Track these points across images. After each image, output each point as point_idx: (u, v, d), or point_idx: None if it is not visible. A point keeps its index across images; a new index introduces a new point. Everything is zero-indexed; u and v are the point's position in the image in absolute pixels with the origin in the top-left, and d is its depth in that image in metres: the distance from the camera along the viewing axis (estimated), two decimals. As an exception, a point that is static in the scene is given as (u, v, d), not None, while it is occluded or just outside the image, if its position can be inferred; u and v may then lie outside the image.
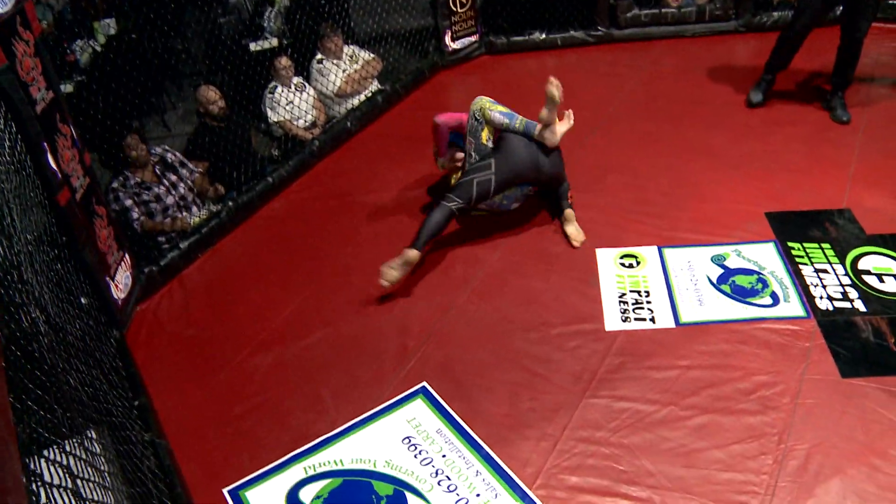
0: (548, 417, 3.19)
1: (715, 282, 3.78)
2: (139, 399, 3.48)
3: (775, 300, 3.63)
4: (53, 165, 3.39)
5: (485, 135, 4.22)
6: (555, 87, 4.01)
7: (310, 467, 3.11)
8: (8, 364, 1.66)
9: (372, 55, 6.26)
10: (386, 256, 4.22)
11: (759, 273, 3.80)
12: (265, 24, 6.91)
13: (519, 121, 4.14)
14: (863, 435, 2.95)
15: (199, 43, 6.92)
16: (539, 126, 4.11)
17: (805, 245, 3.95)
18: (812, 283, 3.70)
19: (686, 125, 5.21)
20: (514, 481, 2.95)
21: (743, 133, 5.03)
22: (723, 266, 3.88)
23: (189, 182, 4.92)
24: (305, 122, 5.79)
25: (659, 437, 3.05)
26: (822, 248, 3.91)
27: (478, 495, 2.92)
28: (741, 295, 3.69)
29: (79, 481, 2.07)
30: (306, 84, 5.89)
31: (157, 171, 4.79)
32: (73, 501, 1.89)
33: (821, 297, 3.61)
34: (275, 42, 6.58)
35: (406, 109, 6.10)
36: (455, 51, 6.69)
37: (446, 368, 3.51)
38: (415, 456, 3.09)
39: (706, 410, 3.13)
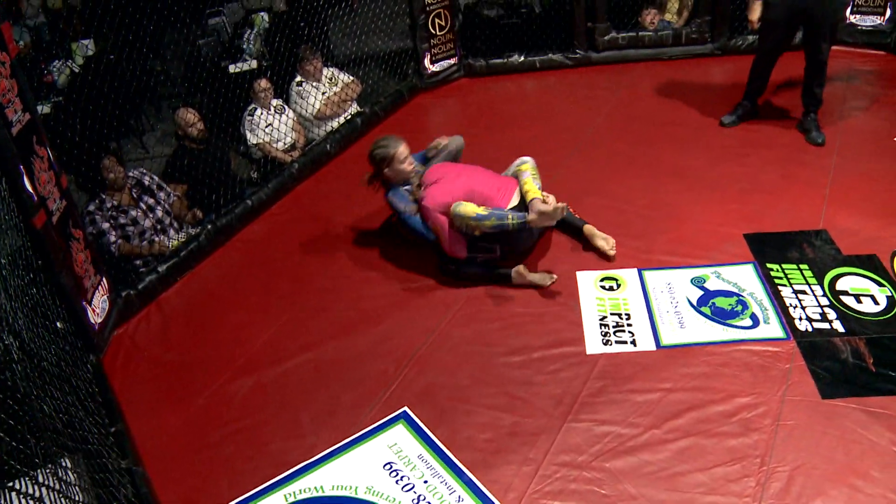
0: (529, 442, 3.17)
1: (695, 304, 3.78)
2: (116, 425, 3.42)
3: (755, 322, 3.63)
4: (30, 188, 3.34)
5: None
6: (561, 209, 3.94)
7: (290, 494, 3.06)
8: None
9: (351, 78, 6.26)
10: (366, 279, 4.23)
11: (738, 295, 3.80)
12: (244, 46, 6.91)
13: (511, 221, 3.94)
14: (843, 456, 2.95)
15: (177, 65, 6.90)
16: (532, 217, 3.96)
17: (783, 266, 3.96)
18: (791, 305, 3.70)
19: (663, 147, 5.23)
20: (497, 507, 2.91)
21: (720, 155, 5.05)
22: (703, 288, 3.88)
23: (166, 205, 4.87)
24: (285, 144, 5.77)
25: (641, 461, 3.02)
26: (800, 269, 3.92)
27: (460, 521, 2.88)
28: (721, 317, 3.68)
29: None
30: (285, 106, 5.87)
31: (134, 194, 4.74)
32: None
33: (800, 319, 3.62)
34: (254, 64, 6.58)
35: (385, 131, 5.95)
36: (434, 73, 6.70)
37: (428, 393, 3.48)
38: (396, 482, 3.05)
39: (688, 433, 3.11)
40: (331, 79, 6.12)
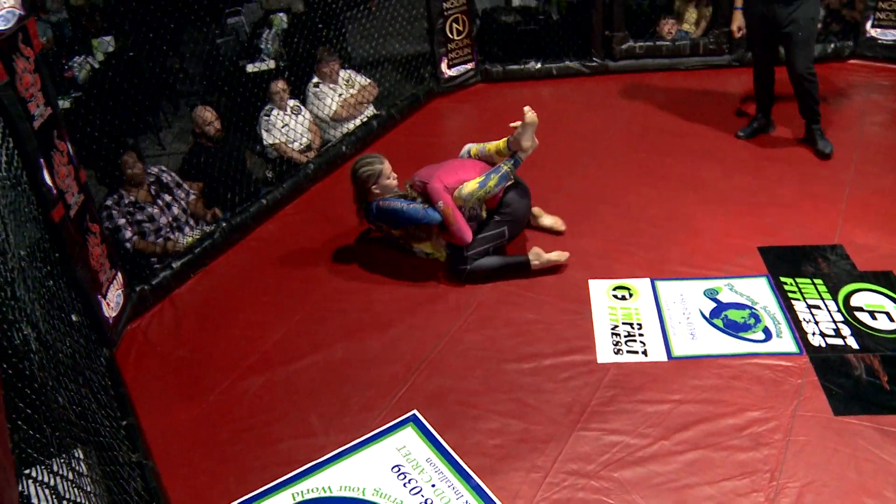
0: (538, 449, 3.17)
1: (707, 316, 3.78)
2: (127, 419, 3.44)
3: (768, 335, 3.62)
4: (49, 181, 3.38)
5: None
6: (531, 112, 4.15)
7: (297, 493, 3.07)
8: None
9: (368, 80, 6.27)
10: (378, 282, 4.24)
11: (751, 308, 3.80)
12: (262, 46, 6.93)
13: (505, 167, 4.15)
14: (855, 474, 2.93)
15: (196, 63, 6.92)
16: (514, 140, 4.21)
17: (797, 280, 3.95)
18: (804, 319, 3.70)
19: (679, 158, 5.23)
20: (505, 513, 2.92)
21: (735, 167, 5.04)
22: (715, 300, 3.87)
23: (183, 203, 4.89)
24: (300, 144, 5.78)
25: (650, 472, 3.02)
26: (814, 284, 3.91)
27: (467, 526, 2.89)
28: (734, 329, 3.68)
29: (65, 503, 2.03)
30: (302, 107, 5.89)
31: (153, 190, 4.76)
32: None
33: (813, 334, 3.61)
34: (272, 64, 6.60)
35: (401, 134, 6.11)
36: (451, 78, 6.72)
37: (437, 397, 3.48)
38: (404, 485, 3.06)
39: (698, 446, 3.10)
40: (348, 81, 6.13)
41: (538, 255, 4.14)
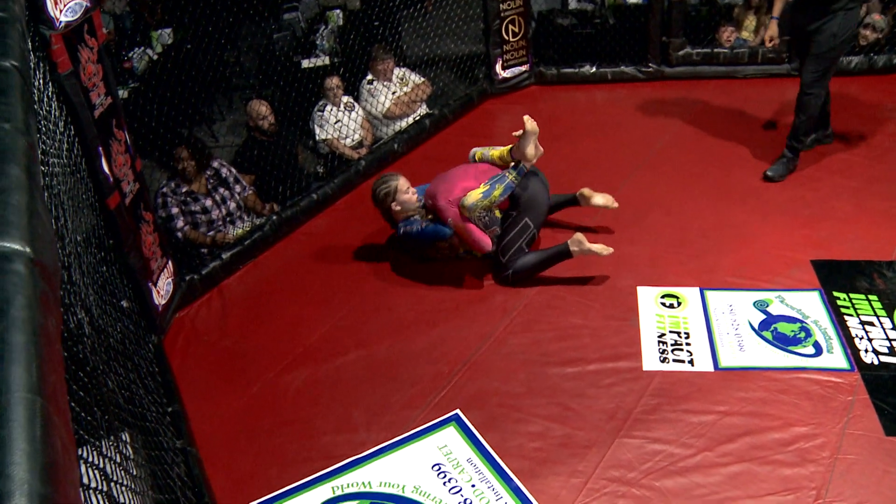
0: (580, 454, 3.16)
1: (757, 328, 3.73)
2: (173, 406, 3.50)
3: (818, 350, 3.57)
4: (106, 169, 3.44)
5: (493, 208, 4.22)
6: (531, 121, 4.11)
7: (337, 487, 3.10)
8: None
9: (422, 79, 6.30)
10: (425, 280, 4.25)
11: (802, 321, 3.75)
12: (318, 42, 7.00)
13: (510, 177, 4.09)
14: (904, 497, 2.88)
15: (252, 57, 7.01)
16: (517, 149, 4.16)
17: (851, 296, 3.88)
18: (857, 336, 3.63)
19: (733, 167, 5.17)
20: (543, 517, 2.91)
21: (791, 178, 4.96)
22: (765, 312, 3.83)
23: (239, 199, 4.96)
24: (352, 141, 5.83)
25: (692, 483, 2.99)
26: (868, 300, 3.84)
27: (505, 528, 2.89)
28: (783, 343, 3.63)
29: (112, 485, 2.07)
30: (355, 104, 5.93)
31: (210, 184, 4.84)
32: (105, 504, 1.89)
33: (866, 351, 3.54)
34: (326, 60, 6.66)
35: (453, 134, 6.13)
36: (505, 79, 6.72)
37: (480, 398, 3.49)
38: (444, 483, 3.07)
39: (742, 458, 3.07)
40: (401, 79, 6.16)
41: (580, 242, 4.09)
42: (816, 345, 3.60)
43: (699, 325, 3.79)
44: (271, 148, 5.29)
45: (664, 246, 4.40)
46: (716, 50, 6.58)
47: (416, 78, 6.26)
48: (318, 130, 5.75)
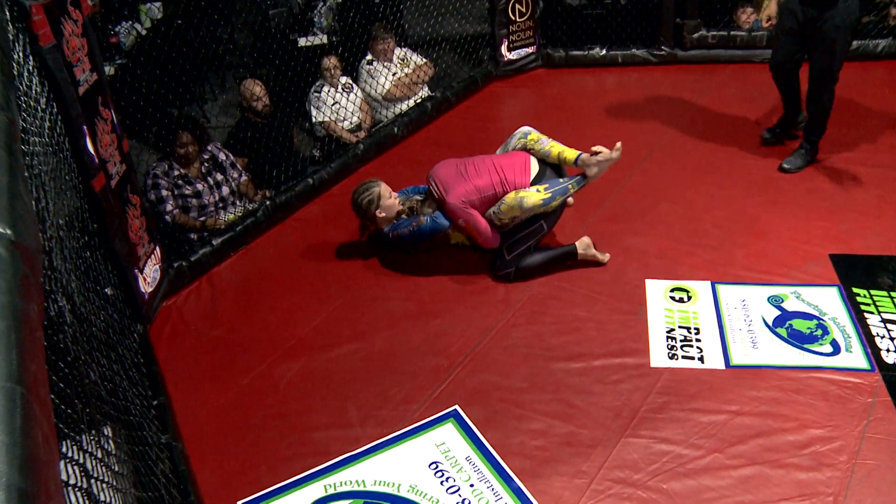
0: (584, 454, 3.14)
1: (771, 324, 3.71)
2: (158, 398, 3.48)
3: (836, 349, 3.54)
4: (91, 150, 3.41)
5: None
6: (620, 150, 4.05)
7: (330, 486, 3.09)
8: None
9: (424, 60, 6.27)
10: (425, 270, 4.25)
11: (819, 318, 3.72)
12: (315, 20, 6.95)
13: (573, 189, 4.06)
14: (927, 504, 2.85)
15: (246, 34, 6.96)
16: (593, 173, 4.08)
17: (872, 292, 3.85)
18: (878, 334, 3.59)
19: (748, 156, 5.13)
20: (545, 519, 2.90)
21: (810, 169, 4.93)
22: (780, 308, 3.80)
23: (234, 184, 4.94)
24: (350, 123, 5.81)
25: (701, 486, 2.97)
26: (891, 297, 3.80)
27: (505, 531, 2.87)
28: (799, 340, 3.60)
29: (93, 482, 2.05)
30: (354, 85, 5.91)
31: (204, 168, 4.82)
32: (84, 502, 1.87)
33: (888, 350, 3.50)
34: (324, 39, 6.62)
35: (456, 118, 6.09)
36: (511, 61, 6.68)
37: (481, 393, 3.47)
38: (441, 483, 3.05)
39: (754, 461, 3.04)
40: (402, 59, 6.13)
41: (587, 245, 4.14)
42: (834, 343, 3.57)
43: (710, 321, 3.77)
44: (265, 130, 5.26)
45: (674, 237, 4.37)
46: (733, 32, 6.51)
47: (417, 59, 6.23)
48: (314, 112, 5.72)
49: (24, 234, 1.33)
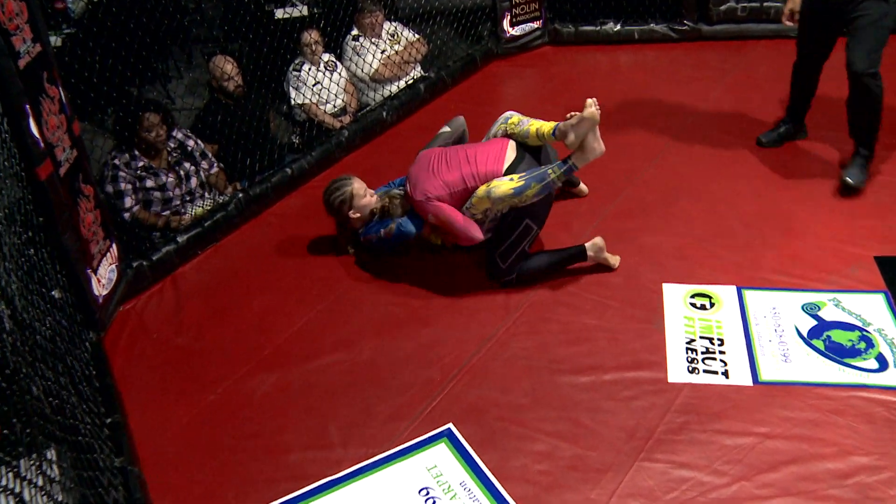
0: (593, 479, 3.12)
1: (805, 335, 3.68)
2: (112, 416, 3.45)
3: (882, 364, 3.50)
4: (36, 133, 3.37)
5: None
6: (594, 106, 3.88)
7: (307, 515, 3.07)
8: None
9: (416, 36, 6.27)
10: (417, 272, 4.24)
11: (862, 329, 3.69)
12: (295, -12, 6.91)
13: (553, 175, 3.89)
14: None
15: (215, 3, 6.93)
16: (579, 161, 3.94)
17: (923, 299, 3.84)
18: (931, 348, 3.59)
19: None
20: (549, 555, 2.89)
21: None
22: (816, 317, 3.78)
23: (203, 175, 4.92)
24: (334, 107, 5.80)
25: (726, 518, 2.95)
26: (945, 306, 3.81)
27: (504, 568, 2.86)
28: (838, 354, 3.57)
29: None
30: (338, 63, 5.89)
31: (172, 157, 4.79)
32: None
33: (943, 367, 3.49)
34: (305, 11, 6.60)
35: (452, 101, 6.08)
36: (513, 37, 6.66)
37: (477, 410, 3.46)
38: (432, 512, 3.05)
39: (787, 492, 3.00)
40: (392, 35, 6.12)
41: (599, 248, 4.07)
42: (881, 358, 3.54)
43: (736, 331, 3.75)
44: (238, 113, 5.24)
45: (695, 237, 4.35)
46: (766, 4, 6.47)
47: (409, 34, 6.23)
48: (293, 93, 5.71)
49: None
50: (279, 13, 6.52)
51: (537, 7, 6.68)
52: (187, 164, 4.83)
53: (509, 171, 3.98)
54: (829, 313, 3.78)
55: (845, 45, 4.55)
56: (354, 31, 6.01)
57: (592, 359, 3.67)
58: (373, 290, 4.22)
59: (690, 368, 3.57)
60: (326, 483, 3.17)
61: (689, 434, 3.26)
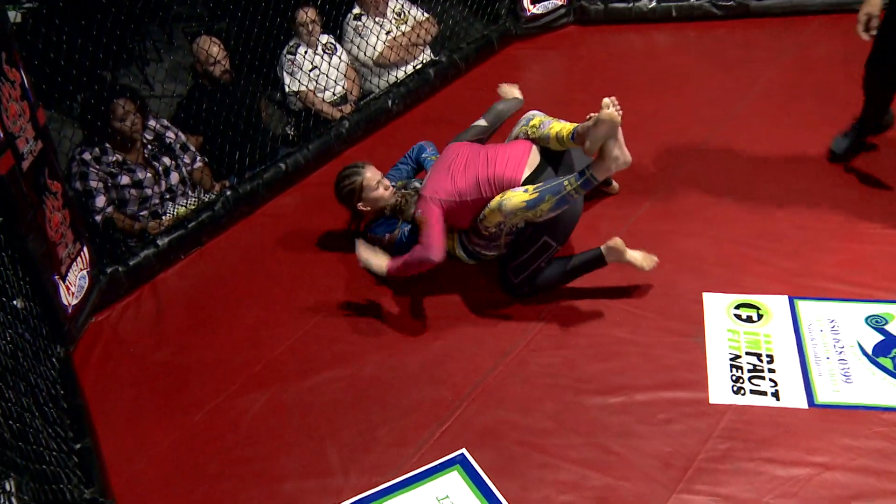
0: (625, 514, 3.13)
1: (870, 352, 3.65)
2: (82, 441, 3.45)
3: (964, 387, 3.50)
4: (-6, 121, 3.39)
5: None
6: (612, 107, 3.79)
7: (301, 551, 3.11)
8: None
9: (426, 15, 6.26)
10: (426, 279, 4.22)
11: (937, 346, 3.69)
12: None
13: (569, 187, 3.80)
14: None
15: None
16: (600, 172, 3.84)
17: None
18: None
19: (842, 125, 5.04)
20: None
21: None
22: (883, 331, 3.75)
23: (185, 171, 4.94)
24: (333, 94, 5.81)
25: (778, 560, 2.95)
26: None
27: None
28: (911, 375, 3.58)
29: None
30: (337, 46, 5.90)
31: (148, 150, 4.79)
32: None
33: None
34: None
35: (465, 89, 6.09)
36: (535, 16, 6.65)
37: (494, 434, 3.46)
38: (443, 549, 3.08)
39: (850, 532, 3.00)
40: (399, 14, 6.12)
41: (618, 251, 3.98)
42: (961, 379, 3.54)
43: (788, 346, 3.73)
44: (225, 101, 5.24)
45: (741, 240, 4.33)
46: (822, -26, 6.43)
47: (417, 13, 6.22)
48: (287, 79, 5.72)
49: None
50: (272, -12, 6.54)
51: (562, -18, 6.68)
52: (166, 159, 4.83)
53: (529, 180, 3.95)
54: (898, 327, 3.79)
55: None
56: (356, 10, 6.00)
57: (624, 377, 3.67)
58: (375, 299, 4.22)
59: (735, 388, 3.56)
60: (325, 515, 3.20)
61: (734, 463, 3.25)
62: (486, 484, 3.24)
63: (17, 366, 3.08)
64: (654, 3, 6.63)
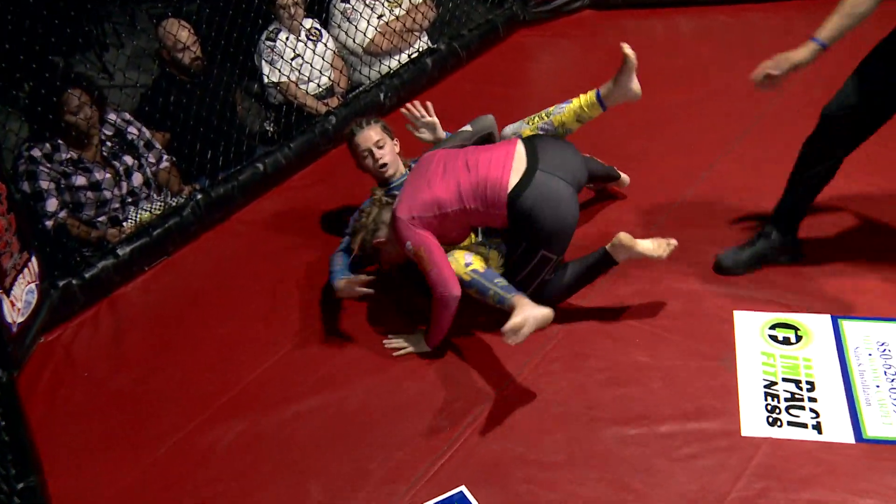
0: (644, 562, 3.13)
1: (926, 379, 3.68)
2: (27, 479, 3.42)
3: None
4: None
5: None
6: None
7: None
8: None
9: (422, -3, 6.28)
10: (420, 293, 4.19)
11: None
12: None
13: (492, 296, 3.82)
14: None
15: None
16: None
17: None
18: None
19: (889, 132, 5.03)
20: None
21: None
22: (939, 355, 3.77)
23: (149, 171, 4.94)
24: (318, 86, 5.85)
25: None
26: None
27: None
28: (977, 405, 3.57)
29: None
30: (323, 31, 5.95)
31: (106, 149, 4.80)
32: None
33: None
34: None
35: (466, 80, 6.13)
36: (544, 0, 6.65)
37: (496, 469, 3.45)
38: None
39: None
40: (392, -4, 6.15)
41: (626, 247, 3.92)
42: None
43: (831, 372, 3.72)
44: (195, 93, 5.27)
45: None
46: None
47: (413, -5, 6.25)
48: (266, 69, 5.76)
49: None
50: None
51: (576, -39, 6.72)
52: (128, 158, 4.85)
53: (517, 189, 3.85)
54: (960, 351, 3.78)
55: None
56: (344, -9, 6.05)
57: (643, 405, 3.66)
58: (364, 317, 4.23)
59: (771, 420, 3.54)
60: (305, 561, 3.21)
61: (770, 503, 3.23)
62: (489, 526, 3.25)
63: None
64: (679, -15, 6.70)
